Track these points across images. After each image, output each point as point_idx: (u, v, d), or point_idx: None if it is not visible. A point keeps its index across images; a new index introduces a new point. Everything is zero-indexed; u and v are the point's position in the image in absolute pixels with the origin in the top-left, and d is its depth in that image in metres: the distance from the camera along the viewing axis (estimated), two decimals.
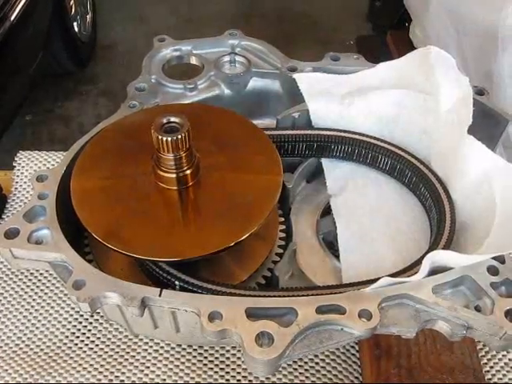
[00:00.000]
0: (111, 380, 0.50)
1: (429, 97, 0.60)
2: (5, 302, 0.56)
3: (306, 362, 0.53)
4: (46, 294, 0.56)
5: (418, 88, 0.61)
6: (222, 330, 0.42)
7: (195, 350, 0.52)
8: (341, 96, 0.62)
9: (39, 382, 0.50)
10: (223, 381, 0.50)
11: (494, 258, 0.47)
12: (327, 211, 0.60)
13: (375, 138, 0.61)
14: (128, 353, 0.52)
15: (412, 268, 0.47)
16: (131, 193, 0.53)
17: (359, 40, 2.42)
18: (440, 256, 0.45)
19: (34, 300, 0.56)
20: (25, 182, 0.66)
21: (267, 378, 0.50)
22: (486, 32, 1.06)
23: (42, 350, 0.52)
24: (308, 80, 0.64)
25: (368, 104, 0.61)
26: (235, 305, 0.44)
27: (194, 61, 0.68)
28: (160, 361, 0.51)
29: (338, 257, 0.55)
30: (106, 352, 0.52)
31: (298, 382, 0.49)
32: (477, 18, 1.19)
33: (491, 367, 0.52)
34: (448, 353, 0.50)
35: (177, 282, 0.49)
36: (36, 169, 0.67)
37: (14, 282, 0.57)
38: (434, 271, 0.47)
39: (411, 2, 1.89)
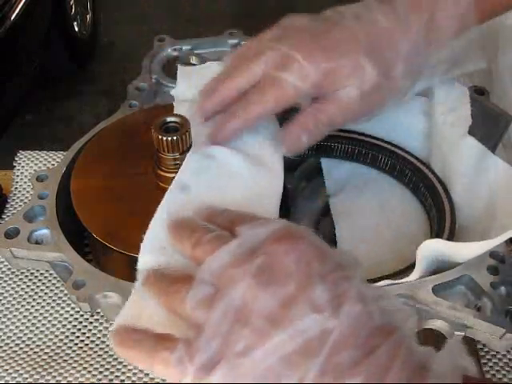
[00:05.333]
0: (111, 380, 0.50)
1: (424, 98, 0.60)
2: (5, 301, 0.56)
3: None
4: (46, 293, 0.56)
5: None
6: None
7: None
8: None
9: (39, 381, 0.50)
10: None
11: (493, 258, 0.47)
12: (328, 211, 0.60)
13: (376, 138, 0.61)
14: None
15: (412, 268, 0.47)
16: (131, 193, 0.53)
17: None
18: (435, 247, 0.44)
19: (34, 300, 0.56)
20: (25, 182, 0.66)
21: None
22: (487, 32, 1.06)
23: (42, 349, 0.52)
24: None
25: None
26: None
27: (194, 60, 0.68)
28: None
29: None
30: (107, 352, 0.52)
31: None
32: None
33: (491, 367, 0.51)
34: None
35: None
36: (36, 169, 0.67)
37: (14, 281, 0.57)
38: (437, 270, 0.47)
39: None
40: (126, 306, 0.40)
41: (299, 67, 0.48)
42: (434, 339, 0.50)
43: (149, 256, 0.43)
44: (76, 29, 2.22)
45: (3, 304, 0.56)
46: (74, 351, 0.52)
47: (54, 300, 0.56)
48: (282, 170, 0.54)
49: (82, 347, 0.53)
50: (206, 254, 0.35)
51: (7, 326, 0.54)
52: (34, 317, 0.55)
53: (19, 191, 0.66)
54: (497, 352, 0.52)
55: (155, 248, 0.44)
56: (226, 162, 0.52)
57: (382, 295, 0.34)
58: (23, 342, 0.53)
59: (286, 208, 0.59)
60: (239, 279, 0.32)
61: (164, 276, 0.38)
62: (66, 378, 0.50)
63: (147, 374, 0.50)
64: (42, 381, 0.50)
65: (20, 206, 0.64)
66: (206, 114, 0.52)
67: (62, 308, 0.55)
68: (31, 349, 0.52)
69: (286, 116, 0.55)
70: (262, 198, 0.51)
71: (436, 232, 0.53)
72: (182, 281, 0.36)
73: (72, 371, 0.51)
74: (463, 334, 0.45)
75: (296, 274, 0.32)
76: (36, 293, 0.56)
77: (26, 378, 0.50)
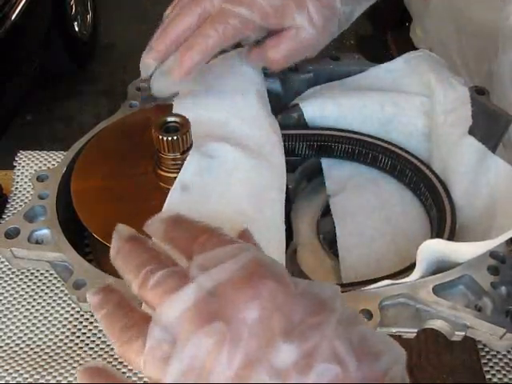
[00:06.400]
0: None
1: (425, 99, 0.60)
2: (5, 301, 0.56)
3: None
4: (46, 293, 0.56)
5: (412, 91, 0.61)
6: None
7: None
8: (335, 98, 0.62)
9: (39, 381, 0.50)
10: None
11: (494, 258, 0.47)
12: (328, 211, 0.60)
13: (376, 138, 0.61)
14: None
15: (412, 268, 0.47)
16: (132, 192, 0.53)
17: (359, 40, 2.42)
18: (435, 247, 0.44)
19: (34, 300, 0.56)
20: (25, 182, 0.66)
21: None
22: (487, 32, 1.07)
23: (42, 349, 0.52)
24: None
25: (363, 105, 0.61)
26: None
27: None
28: None
29: (338, 256, 0.55)
30: (107, 352, 0.52)
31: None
32: (477, 18, 1.19)
33: (491, 367, 0.51)
34: (448, 352, 0.50)
35: None
36: (36, 169, 0.67)
37: (14, 281, 0.57)
38: (437, 270, 0.47)
39: (411, 1, 1.89)
40: None
41: (250, 2, 0.53)
42: (434, 339, 0.50)
43: None
44: (76, 29, 2.22)
45: (3, 304, 0.56)
46: (74, 351, 0.52)
47: (54, 300, 0.56)
48: (283, 161, 0.55)
49: (82, 347, 0.53)
50: (158, 298, 0.31)
51: (7, 326, 0.54)
52: (34, 317, 0.55)
53: (19, 191, 0.66)
54: (497, 352, 0.52)
55: None
56: (227, 158, 0.52)
57: (365, 337, 0.30)
58: (23, 341, 0.53)
59: (287, 208, 0.59)
60: (198, 337, 0.29)
61: (115, 313, 0.33)
62: (67, 378, 0.50)
63: None
64: (42, 381, 0.50)
65: (20, 206, 0.64)
66: (159, 54, 0.53)
67: (62, 308, 0.55)
68: (31, 349, 0.52)
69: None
70: (266, 189, 0.51)
71: (436, 232, 0.53)
72: (135, 324, 0.32)
73: (72, 371, 0.51)
74: (464, 333, 0.45)
75: (258, 331, 0.28)
76: (36, 293, 0.56)
77: (27, 378, 0.50)
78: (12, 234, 0.50)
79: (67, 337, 0.53)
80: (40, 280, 0.58)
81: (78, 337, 0.53)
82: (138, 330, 0.31)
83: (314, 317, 0.29)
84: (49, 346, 0.53)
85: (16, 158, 0.69)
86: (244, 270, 0.30)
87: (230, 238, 0.34)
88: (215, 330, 0.29)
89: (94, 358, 0.52)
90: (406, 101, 0.61)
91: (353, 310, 0.31)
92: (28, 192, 0.65)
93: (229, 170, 0.51)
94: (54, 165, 0.67)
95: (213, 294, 0.30)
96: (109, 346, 0.53)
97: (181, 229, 0.36)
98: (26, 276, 0.58)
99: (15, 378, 0.50)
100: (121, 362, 0.51)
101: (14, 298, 0.56)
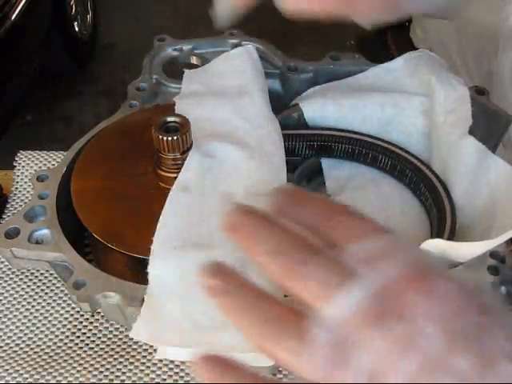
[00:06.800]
0: (112, 380, 0.50)
1: (425, 99, 0.60)
2: (5, 301, 0.56)
3: None
4: (46, 293, 0.56)
5: (413, 91, 0.61)
6: None
7: None
8: (335, 98, 0.62)
9: (39, 381, 0.50)
10: None
11: (494, 258, 0.47)
12: None
13: (376, 138, 0.61)
14: (128, 352, 0.52)
15: None
16: (132, 192, 0.53)
17: (359, 40, 2.42)
18: (435, 247, 0.44)
19: (34, 300, 0.56)
20: (25, 182, 0.66)
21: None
22: (487, 32, 1.07)
23: (42, 349, 0.52)
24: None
25: (364, 105, 0.61)
26: None
27: (194, 60, 0.68)
28: (161, 360, 0.51)
29: None
30: (107, 352, 0.52)
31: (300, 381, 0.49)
32: (477, 18, 1.19)
33: None
34: None
35: None
36: (36, 169, 0.67)
37: (14, 281, 0.57)
38: None
39: None
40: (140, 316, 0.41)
41: None
42: None
43: (160, 261, 0.44)
44: (76, 29, 2.22)
45: (3, 304, 0.56)
46: (74, 351, 0.52)
47: (54, 300, 0.56)
48: (284, 160, 0.55)
49: (82, 347, 0.53)
50: (318, 294, 0.27)
51: (7, 326, 0.54)
52: (34, 317, 0.55)
53: (19, 191, 0.66)
54: None
55: (165, 250, 0.45)
56: (227, 158, 0.52)
57: None
58: (23, 341, 0.53)
59: None
60: (372, 340, 0.26)
61: (248, 302, 0.29)
62: (66, 378, 0.50)
63: (147, 374, 0.50)
64: (42, 381, 0.50)
65: (20, 206, 0.64)
66: None
67: (62, 308, 0.55)
68: (31, 349, 0.52)
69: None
70: (267, 189, 0.51)
71: (436, 232, 0.53)
72: (283, 318, 0.28)
73: (72, 371, 0.51)
74: None
75: (437, 334, 0.26)
76: (36, 293, 0.56)
77: (26, 378, 0.50)
78: (12, 234, 0.50)
79: (67, 337, 0.53)
80: (40, 280, 0.58)
81: (78, 337, 0.53)
82: (292, 327, 0.27)
83: (482, 315, 0.27)
84: (49, 346, 0.53)
85: (16, 158, 0.69)
86: (413, 265, 0.27)
87: (374, 221, 0.30)
88: (392, 333, 0.26)
89: (94, 358, 0.52)
90: (406, 101, 0.61)
91: (496, 297, 0.29)
92: (28, 192, 0.65)
93: (229, 170, 0.52)
94: (54, 165, 0.67)
95: (382, 292, 0.27)
96: (108, 345, 0.53)
97: (311, 206, 0.31)
98: (26, 276, 0.58)
99: (15, 378, 0.50)
100: (121, 362, 0.51)
101: (14, 298, 0.56)
